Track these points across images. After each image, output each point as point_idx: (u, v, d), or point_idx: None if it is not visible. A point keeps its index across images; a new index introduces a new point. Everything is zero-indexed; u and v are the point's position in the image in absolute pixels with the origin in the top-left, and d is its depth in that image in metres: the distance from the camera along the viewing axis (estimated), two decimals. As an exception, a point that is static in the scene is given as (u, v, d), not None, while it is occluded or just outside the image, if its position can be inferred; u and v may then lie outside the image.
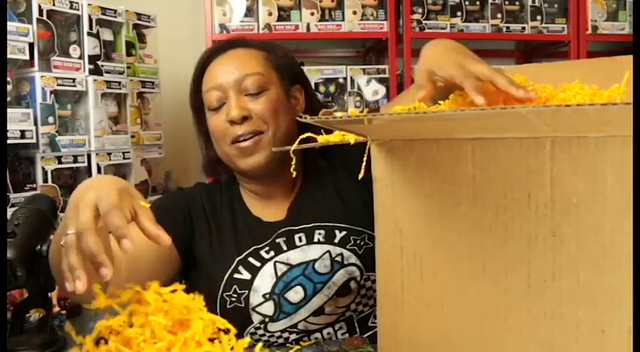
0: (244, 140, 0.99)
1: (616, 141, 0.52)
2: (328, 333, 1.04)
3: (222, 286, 1.01)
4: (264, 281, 1.01)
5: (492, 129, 0.58)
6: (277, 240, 1.03)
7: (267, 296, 1.00)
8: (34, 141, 1.43)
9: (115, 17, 1.71)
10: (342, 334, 1.05)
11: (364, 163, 0.69)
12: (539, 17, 2.36)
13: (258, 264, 1.02)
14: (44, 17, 1.50)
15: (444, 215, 0.64)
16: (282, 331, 1.01)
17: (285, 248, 1.03)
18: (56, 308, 1.18)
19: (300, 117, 0.65)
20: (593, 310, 0.54)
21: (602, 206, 0.53)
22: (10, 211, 1.29)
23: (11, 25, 1.41)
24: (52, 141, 1.48)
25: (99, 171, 1.61)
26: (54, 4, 1.53)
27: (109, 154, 1.64)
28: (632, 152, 0.51)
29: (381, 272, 0.70)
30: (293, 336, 1.02)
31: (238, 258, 1.02)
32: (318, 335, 1.04)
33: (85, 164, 1.59)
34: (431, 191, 0.64)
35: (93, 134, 1.59)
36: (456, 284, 0.63)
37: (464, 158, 0.61)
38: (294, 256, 1.03)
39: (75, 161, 1.56)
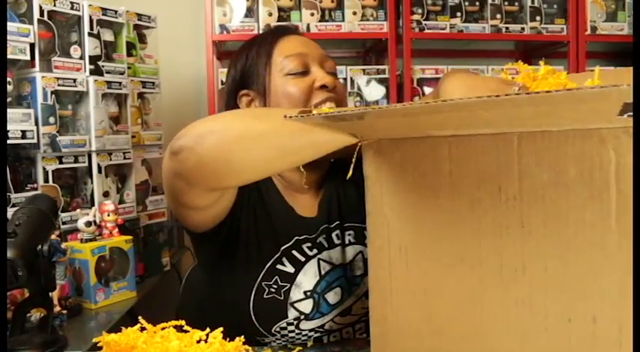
0: None
1: (576, 134, 0.54)
2: (347, 332, 1.05)
3: (262, 273, 1.00)
4: (308, 277, 1.01)
5: (466, 125, 0.60)
6: (318, 239, 1.03)
7: (309, 293, 1.01)
8: (34, 141, 1.44)
9: (116, 18, 1.72)
10: (360, 334, 1.06)
11: (353, 162, 0.71)
12: (538, 18, 2.36)
13: (302, 258, 1.01)
14: (45, 18, 1.51)
15: (425, 208, 0.67)
16: (311, 330, 1.02)
17: (326, 245, 1.04)
18: (57, 308, 1.18)
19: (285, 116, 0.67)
20: (560, 299, 0.56)
21: (566, 197, 0.55)
22: (11, 211, 1.30)
23: (12, 26, 1.42)
24: (52, 141, 1.49)
25: (99, 171, 1.62)
26: (55, 5, 1.53)
27: (110, 154, 1.65)
28: (592, 145, 0.53)
29: (372, 264, 0.73)
30: (317, 335, 1.03)
31: (283, 247, 1.01)
32: (337, 334, 1.05)
33: (86, 164, 1.60)
34: (413, 186, 0.68)
35: (94, 134, 1.60)
36: (437, 274, 0.66)
37: (441, 154, 0.64)
38: (336, 256, 1.03)
39: (76, 161, 1.57)
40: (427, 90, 2.29)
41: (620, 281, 0.52)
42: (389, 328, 0.71)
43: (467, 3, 2.32)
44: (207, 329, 0.72)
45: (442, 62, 2.42)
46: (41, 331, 1.02)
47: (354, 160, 0.71)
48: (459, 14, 2.31)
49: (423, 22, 2.30)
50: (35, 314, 1.10)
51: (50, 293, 1.04)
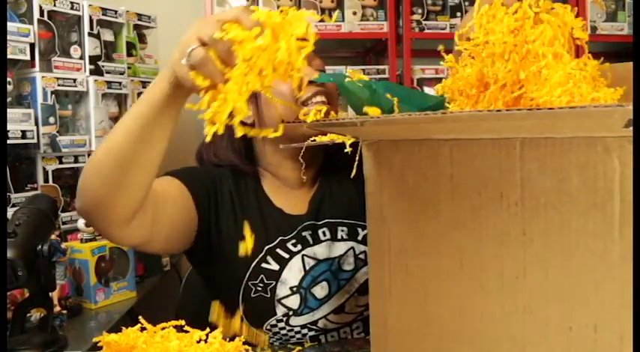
0: (318, 103, 0.98)
1: (580, 141, 0.53)
2: (344, 332, 1.06)
3: (248, 274, 1.01)
4: (293, 273, 1.02)
5: (468, 131, 0.60)
6: (303, 234, 1.04)
7: (295, 289, 1.01)
8: (34, 141, 1.44)
9: (116, 18, 1.72)
10: (358, 333, 1.06)
11: (356, 162, 0.71)
12: (538, 18, 2.36)
13: (286, 255, 1.02)
14: (45, 18, 1.51)
15: (425, 212, 0.66)
16: (302, 327, 1.02)
17: (311, 241, 1.04)
18: (57, 308, 1.19)
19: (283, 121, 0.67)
20: (561, 308, 0.56)
21: (568, 206, 0.54)
22: (11, 211, 1.30)
23: (12, 26, 1.42)
24: (52, 141, 1.49)
25: (99, 171, 1.62)
26: (55, 5, 1.53)
27: (110, 154, 1.65)
28: (597, 153, 0.52)
29: (372, 265, 0.73)
30: (312, 333, 1.03)
31: (268, 247, 1.02)
32: (335, 333, 1.05)
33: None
34: (413, 189, 0.67)
35: (94, 134, 1.60)
36: (437, 278, 0.65)
37: (442, 158, 0.63)
38: (321, 251, 1.04)
39: (76, 161, 1.57)
40: (427, 90, 2.29)
41: (622, 291, 0.51)
42: (389, 329, 0.71)
43: (467, 3, 2.31)
44: (207, 329, 0.72)
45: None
46: (41, 331, 1.02)
47: (357, 158, 0.71)
48: (459, 14, 2.31)
49: (423, 22, 2.29)
50: (35, 314, 1.10)
51: (50, 293, 1.04)
